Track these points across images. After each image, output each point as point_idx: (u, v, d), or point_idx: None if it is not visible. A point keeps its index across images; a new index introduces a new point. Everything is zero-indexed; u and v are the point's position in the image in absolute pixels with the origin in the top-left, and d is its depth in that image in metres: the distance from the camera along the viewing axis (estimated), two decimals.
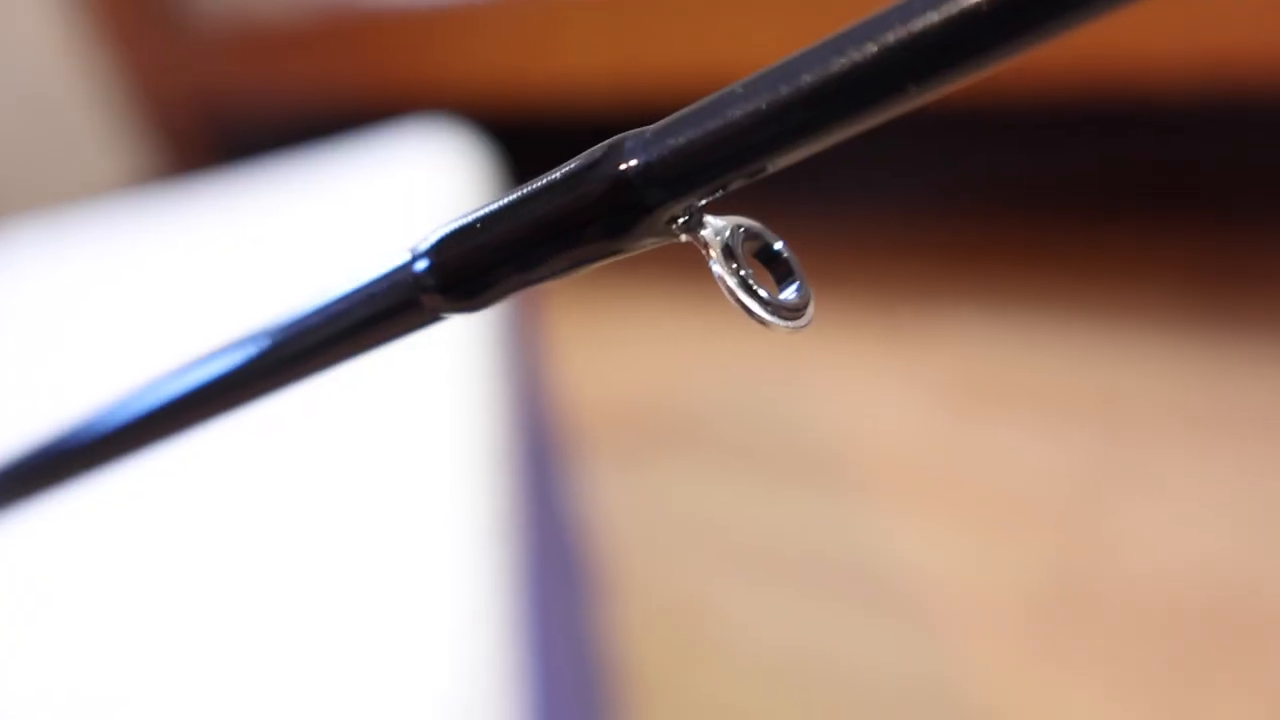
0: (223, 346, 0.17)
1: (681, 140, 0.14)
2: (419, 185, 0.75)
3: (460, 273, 0.15)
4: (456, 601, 0.45)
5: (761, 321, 0.14)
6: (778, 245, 0.15)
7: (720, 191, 0.14)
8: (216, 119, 1.59)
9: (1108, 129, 1.06)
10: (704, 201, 0.14)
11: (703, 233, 0.15)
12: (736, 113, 0.13)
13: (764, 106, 0.13)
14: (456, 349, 0.60)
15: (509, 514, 0.50)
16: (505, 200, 0.15)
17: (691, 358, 1.04)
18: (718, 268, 0.14)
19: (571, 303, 1.09)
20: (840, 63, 0.12)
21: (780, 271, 0.15)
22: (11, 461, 0.21)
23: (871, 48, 0.12)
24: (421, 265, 0.15)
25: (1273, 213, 0.97)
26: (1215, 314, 0.90)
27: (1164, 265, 0.97)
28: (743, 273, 0.14)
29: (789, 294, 0.15)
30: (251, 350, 0.16)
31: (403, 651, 0.43)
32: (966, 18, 0.12)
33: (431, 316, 0.16)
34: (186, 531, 0.49)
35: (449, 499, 0.50)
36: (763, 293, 0.14)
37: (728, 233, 0.15)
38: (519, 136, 0.92)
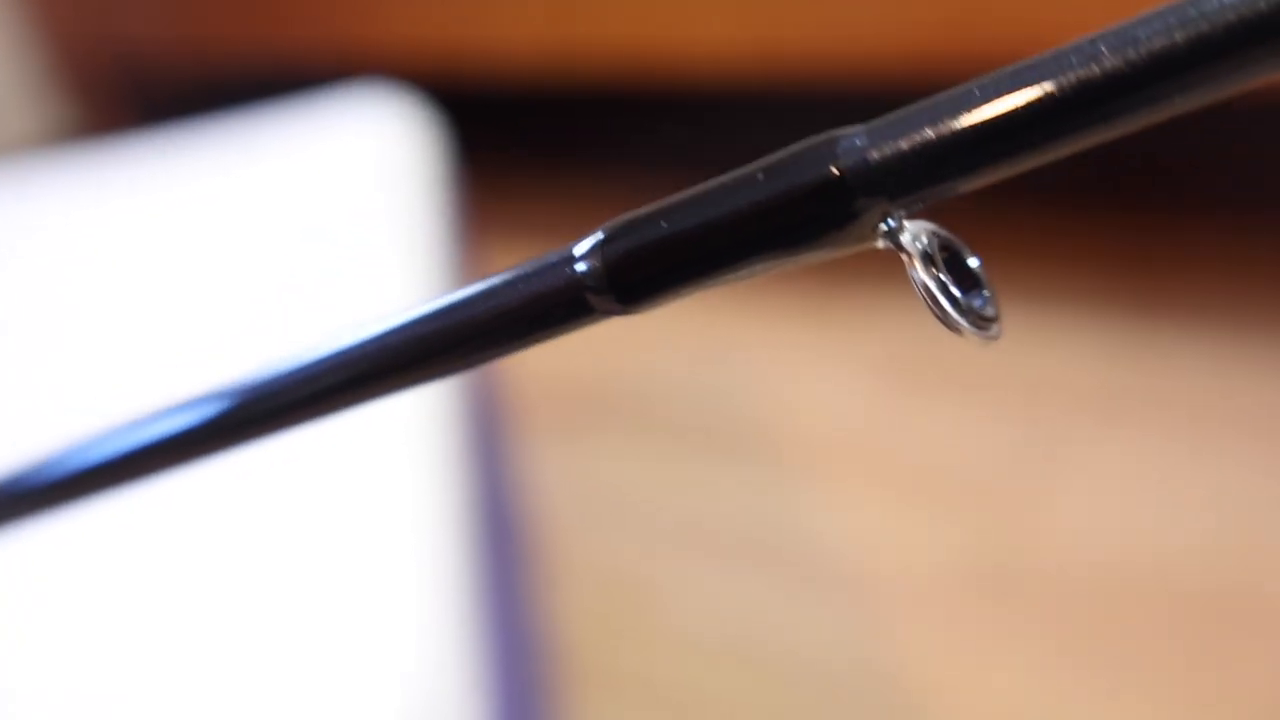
0: (368, 334, 0.15)
1: (906, 143, 0.13)
2: (364, 151, 0.73)
3: (636, 272, 0.14)
4: (405, 577, 0.44)
5: (957, 330, 0.14)
6: (973, 262, 0.14)
7: (933, 200, 0.13)
8: (137, 75, 1.52)
9: None
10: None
11: (902, 238, 0.14)
12: (974, 117, 0.13)
13: (1006, 112, 0.12)
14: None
15: (453, 489, 0.50)
16: (691, 195, 0.14)
17: (630, 335, 1.04)
18: (921, 275, 0.14)
19: None
20: (1094, 69, 0.12)
21: (967, 283, 0.15)
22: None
23: (1136, 52, 0.12)
24: (592, 262, 0.15)
25: (1187, 199, 1.01)
26: (1137, 299, 0.93)
27: (1088, 252, 1.00)
28: (943, 279, 0.14)
29: (982, 305, 0.14)
30: (402, 340, 0.15)
31: (351, 628, 0.43)
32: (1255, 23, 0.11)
33: (599, 317, 0.15)
34: (149, 525, 0.47)
35: (393, 474, 0.49)
36: (963, 302, 0.14)
37: (924, 239, 0.14)
38: (459, 104, 0.90)
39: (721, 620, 0.80)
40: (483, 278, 0.15)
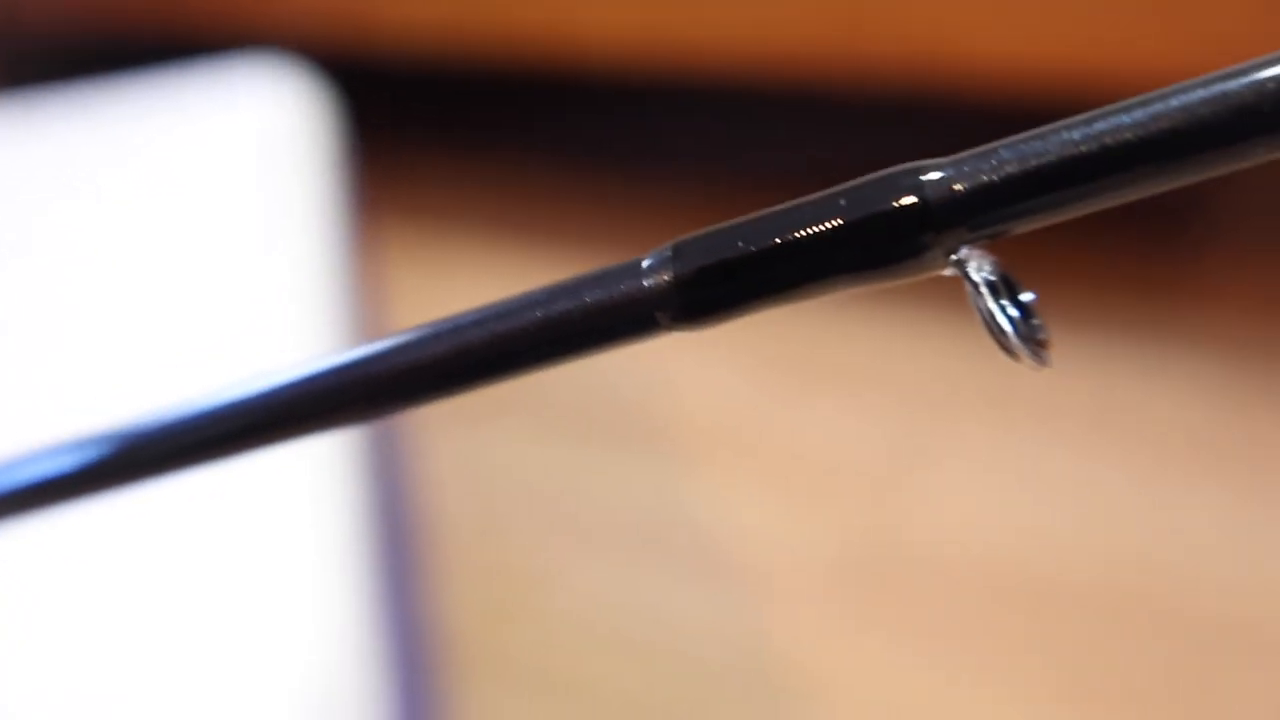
0: (421, 334, 0.15)
1: (991, 178, 0.13)
2: (250, 122, 0.70)
3: (708, 289, 0.14)
4: (297, 565, 0.44)
5: (1015, 355, 0.15)
6: (1027, 295, 0.15)
7: (1005, 233, 0.14)
8: (14, 39, 1.42)
9: (929, 119, 1.11)
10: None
11: (968, 267, 0.14)
12: (1060, 157, 0.13)
13: (1092, 154, 0.13)
14: (291, 311, 0.57)
15: (347, 477, 0.49)
16: (768, 215, 0.14)
17: None
18: (987, 304, 0.14)
19: (404, 264, 1.06)
20: (1185, 118, 0.13)
21: (1023, 312, 0.15)
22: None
23: (1217, 106, 0.12)
24: (661, 278, 0.15)
25: None
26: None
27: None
28: (1007, 307, 0.14)
29: (1037, 333, 0.15)
30: (451, 345, 0.15)
31: (243, 617, 0.42)
32: None
33: (662, 332, 0.15)
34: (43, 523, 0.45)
35: (286, 460, 0.48)
36: (1022, 328, 0.14)
37: (987, 269, 0.14)
38: (354, 80, 0.88)
39: (609, 608, 0.81)
40: (539, 287, 0.15)
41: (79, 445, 0.21)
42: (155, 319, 0.58)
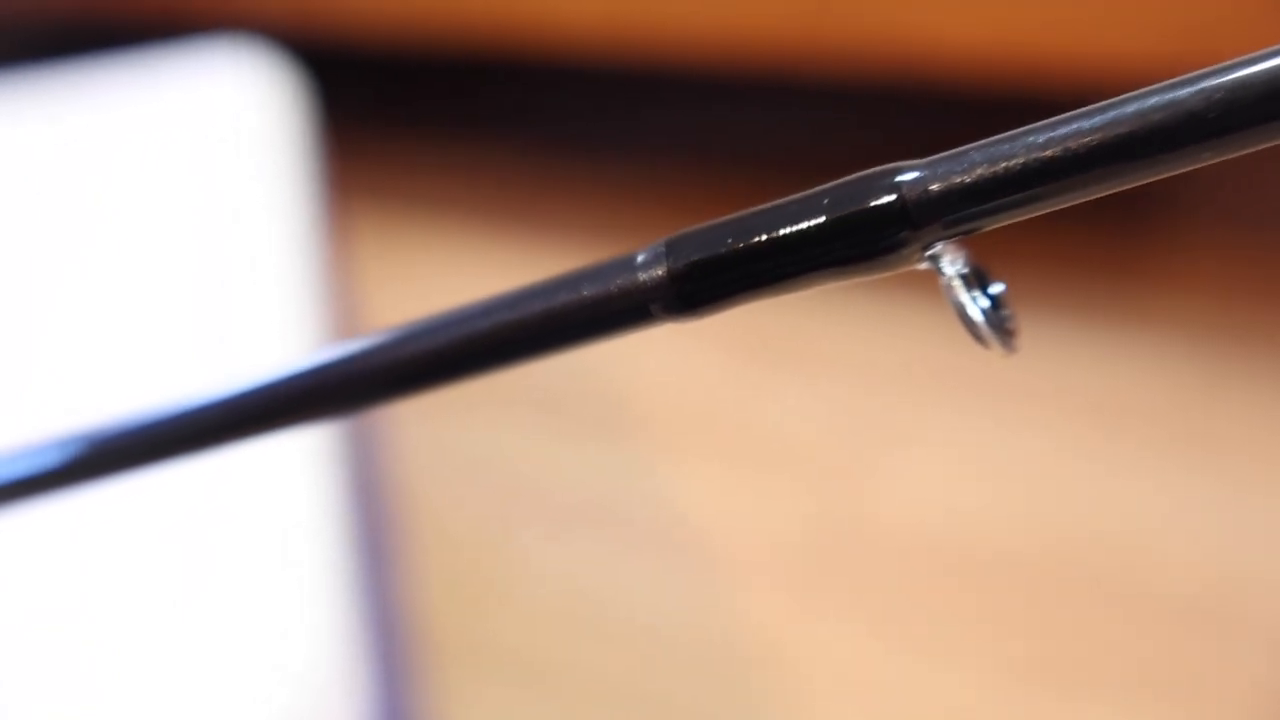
0: (431, 324, 0.16)
1: (964, 179, 0.14)
2: (219, 105, 0.70)
3: (700, 283, 0.15)
4: (272, 549, 0.44)
5: (985, 343, 0.16)
6: (998, 286, 0.16)
7: (978, 230, 0.15)
8: None
9: (902, 106, 1.13)
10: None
11: (942, 262, 0.15)
12: (1029, 157, 0.14)
13: (1058, 155, 0.14)
14: (262, 295, 0.58)
15: (321, 461, 0.49)
16: (756, 214, 0.15)
17: None
18: (960, 296, 0.15)
19: (374, 248, 1.06)
20: (1139, 125, 0.14)
21: (993, 303, 0.16)
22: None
23: (1170, 112, 0.13)
24: (656, 271, 0.15)
25: None
26: None
27: None
28: (978, 298, 0.15)
29: (1007, 323, 0.16)
30: (455, 335, 0.16)
31: (218, 604, 0.42)
32: None
33: (657, 322, 0.16)
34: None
35: (266, 452, 0.48)
36: (993, 317, 0.15)
37: (960, 263, 0.15)
38: (324, 65, 0.88)
39: (583, 594, 0.82)
40: (537, 281, 0.16)
41: (58, 444, 0.21)
42: (123, 304, 0.58)
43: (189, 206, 0.64)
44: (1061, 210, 0.14)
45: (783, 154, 1.11)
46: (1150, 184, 0.14)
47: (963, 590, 0.78)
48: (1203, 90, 0.13)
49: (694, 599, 0.81)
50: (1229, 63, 0.13)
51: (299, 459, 0.48)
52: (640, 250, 0.16)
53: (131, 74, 0.72)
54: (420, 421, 0.91)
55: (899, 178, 0.15)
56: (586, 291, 0.16)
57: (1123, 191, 0.14)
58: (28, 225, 0.63)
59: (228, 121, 0.69)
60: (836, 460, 0.88)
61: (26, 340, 0.55)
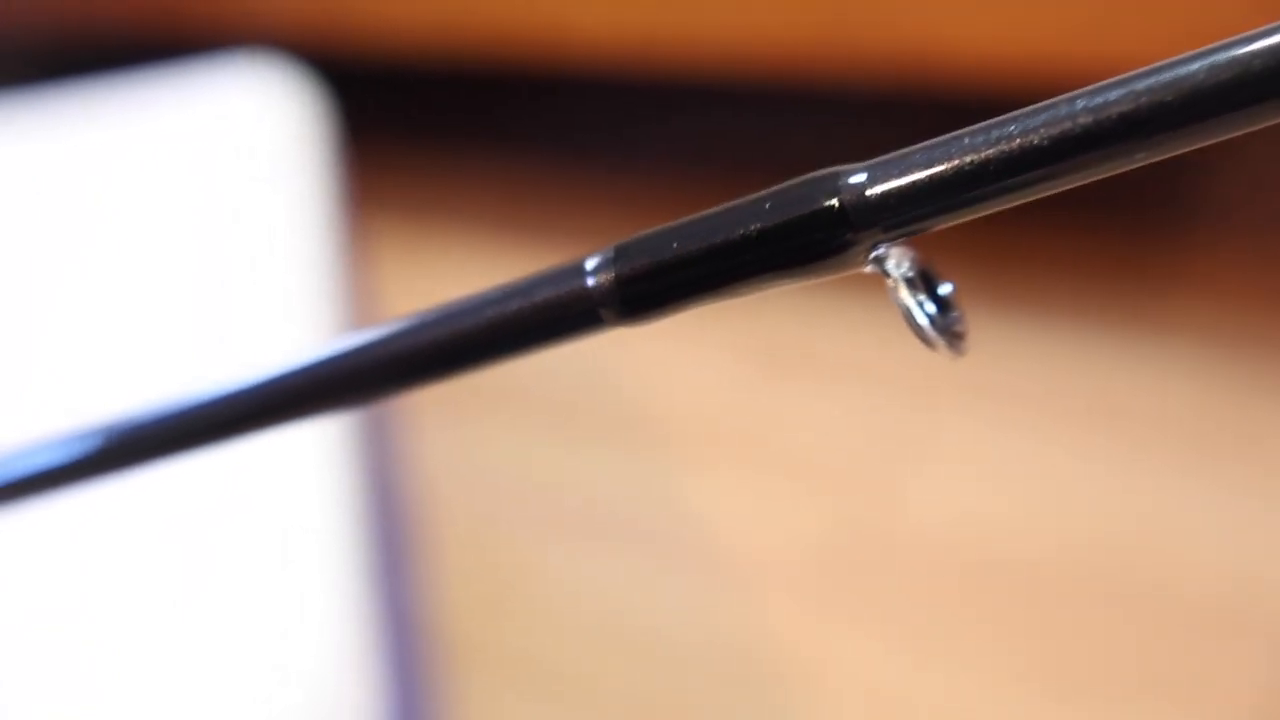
0: (384, 333, 0.16)
1: (901, 182, 0.14)
2: (241, 120, 0.71)
3: (646, 287, 0.16)
4: (292, 558, 0.45)
5: (932, 345, 0.16)
6: (946, 287, 0.16)
7: (919, 233, 0.15)
8: None
9: (914, 113, 1.12)
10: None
11: (887, 264, 0.16)
12: (963, 161, 0.14)
13: (992, 158, 0.14)
14: (283, 308, 0.58)
15: (340, 470, 0.50)
16: (700, 219, 0.15)
17: None
18: (904, 298, 0.15)
19: (394, 260, 1.07)
20: (1069, 126, 0.14)
21: (941, 305, 0.16)
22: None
23: (1100, 116, 0.14)
24: (604, 277, 0.16)
25: (1044, 197, 1.07)
26: (990, 294, 0.99)
27: (946, 248, 1.05)
28: (922, 300, 0.16)
29: (954, 324, 0.16)
30: (412, 341, 0.16)
31: (237, 611, 0.43)
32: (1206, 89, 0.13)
33: (606, 327, 0.16)
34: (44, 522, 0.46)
35: (282, 454, 0.49)
36: (939, 320, 0.16)
37: (907, 265, 0.16)
38: (344, 79, 0.89)
39: (600, 600, 0.82)
40: (489, 288, 0.16)
41: (80, 436, 0.22)
42: (147, 318, 0.59)
43: (211, 221, 0.65)
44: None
45: (801, 162, 1.11)
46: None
47: (987, 600, 0.78)
48: (1133, 93, 0.13)
49: (713, 608, 0.81)
50: (1159, 64, 0.13)
51: (313, 462, 0.49)
52: (592, 254, 0.16)
53: (154, 90, 0.73)
54: (441, 429, 0.92)
55: (840, 181, 0.15)
56: (539, 297, 0.16)
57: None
58: (51, 240, 0.64)
59: (249, 136, 0.69)
60: (855, 469, 0.88)
61: (50, 352, 0.56)
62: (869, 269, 0.15)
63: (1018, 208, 0.15)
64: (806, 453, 0.89)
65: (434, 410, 0.91)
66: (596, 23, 1.02)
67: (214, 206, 0.66)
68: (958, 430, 0.89)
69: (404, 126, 1.30)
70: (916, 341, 0.15)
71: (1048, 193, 0.14)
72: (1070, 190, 0.14)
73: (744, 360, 0.96)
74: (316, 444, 0.50)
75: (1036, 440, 0.86)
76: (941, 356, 0.16)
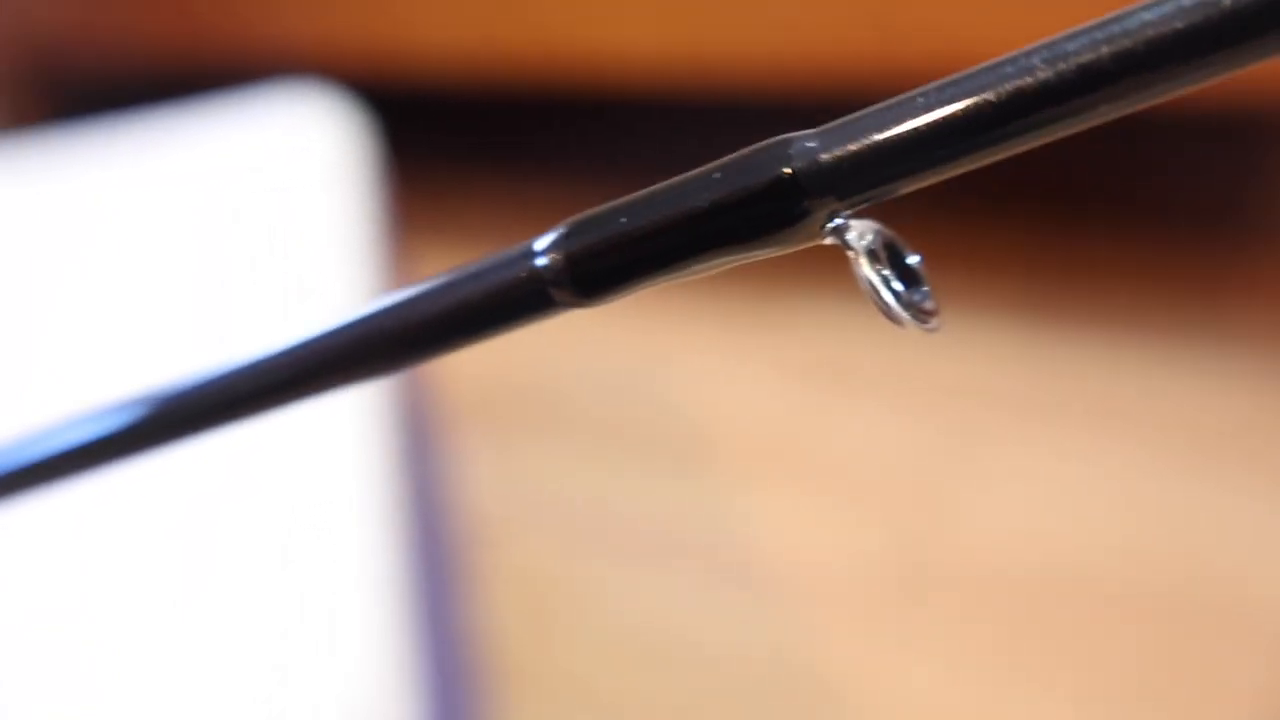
0: (337, 322, 0.16)
1: (854, 146, 0.14)
2: (289, 150, 0.72)
3: (596, 265, 0.15)
4: (338, 577, 0.45)
5: (899, 322, 0.15)
6: (913, 259, 0.15)
7: (878, 199, 0.14)
8: (50, 70, 1.48)
9: None
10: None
11: (848, 236, 0.15)
12: (917, 123, 0.13)
13: (946, 118, 0.13)
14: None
15: (386, 490, 0.50)
16: (650, 193, 0.15)
17: (562, 339, 1.04)
18: (865, 271, 0.15)
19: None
20: (1027, 80, 0.13)
21: (909, 279, 0.15)
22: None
23: (1059, 67, 0.13)
24: (553, 256, 0.15)
25: (1103, 211, 1.04)
26: (1052, 306, 0.97)
27: (1008, 258, 1.03)
28: (886, 274, 0.15)
29: (922, 300, 0.15)
30: (365, 330, 0.16)
31: (285, 630, 0.43)
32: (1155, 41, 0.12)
33: (559, 309, 0.15)
34: (83, 526, 0.47)
35: (327, 475, 0.49)
36: (905, 296, 0.15)
37: (870, 237, 0.15)
38: (388, 105, 0.90)
39: (650, 619, 0.81)
40: (442, 272, 0.16)
41: (118, 408, 0.22)
42: (198, 346, 0.59)
43: (259, 250, 0.66)
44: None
45: None
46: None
47: (1049, 620, 0.75)
48: (1091, 40, 0.13)
49: (770, 631, 0.79)
50: (1118, 13, 0.13)
51: (354, 482, 0.49)
52: (544, 234, 0.16)
53: (203, 121, 0.75)
54: (487, 449, 0.92)
55: (791, 148, 0.14)
56: (490, 280, 0.15)
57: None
58: (104, 271, 0.65)
59: (296, 165, 0.70)
60: (910, 487, 0.86)
61: (102, 383, 0.57)
62: (828, 240, 0.15)
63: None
64: (864, 472, 0.88)
65: (480, 430, 0.91)
66: (641, 45, 1.02)
67: (263, 236, 0.67)
68: (1010, 444, 0.87)
69: (449, 152, 1.31)
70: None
71: (1004, 155, 0.14)
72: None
73: (791, 376, 0.95)
74: (358, 464, 0.50)
75: (1109, 455, 0.84)
76: (912, 332, 0.15)
